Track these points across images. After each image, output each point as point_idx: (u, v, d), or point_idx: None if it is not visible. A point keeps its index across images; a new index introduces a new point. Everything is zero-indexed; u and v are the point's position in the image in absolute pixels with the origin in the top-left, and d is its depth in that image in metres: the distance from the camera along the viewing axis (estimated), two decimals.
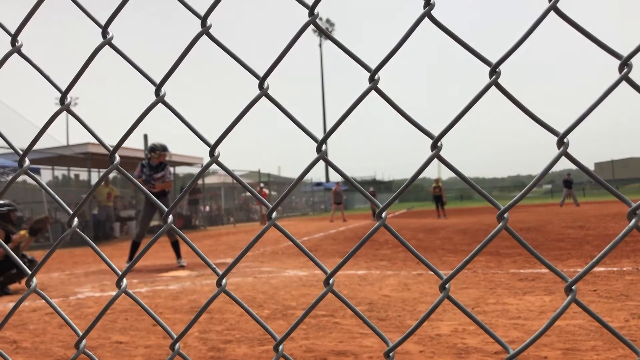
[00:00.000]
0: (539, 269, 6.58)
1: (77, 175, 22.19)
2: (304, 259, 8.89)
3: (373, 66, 0.90)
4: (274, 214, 0.97)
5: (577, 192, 32.10)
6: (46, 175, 20.21)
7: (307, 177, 44.91)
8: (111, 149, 1.02)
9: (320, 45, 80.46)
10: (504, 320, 4.01)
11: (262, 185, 28.40)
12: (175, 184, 24.45)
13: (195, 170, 25.15)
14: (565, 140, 0.81)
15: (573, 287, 0.84)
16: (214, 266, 1.00)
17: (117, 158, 1.02)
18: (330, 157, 0.96)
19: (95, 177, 19.43)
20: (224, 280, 1.01)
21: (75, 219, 1.06)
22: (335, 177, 68.47)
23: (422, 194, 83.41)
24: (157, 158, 8.99)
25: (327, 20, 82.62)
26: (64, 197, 20.85)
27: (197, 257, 9.18)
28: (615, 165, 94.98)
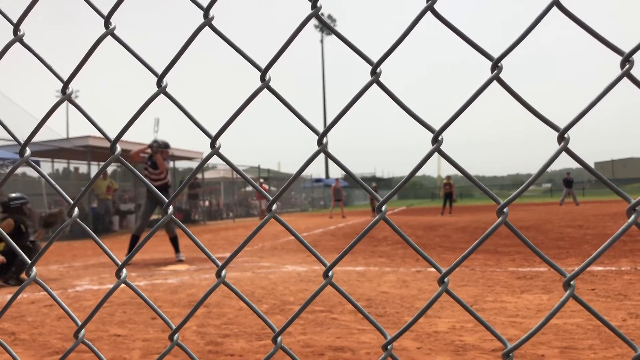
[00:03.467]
0: (537, 267, 6.58)
1: (76, 169, 22.18)
2: (302, 255, 8.90)
3: (375, 60, 0.90)
4: (274, 207, 0.97)
5: (576, 192, 32.07)
6: (46, 168, 20.21)
7: (307, 173, 44.87)
8: (112, 139, 1.02)
9: (321, 41, 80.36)
10: (501, 318, 4.02)
11: (261, 180, 28.41)
12: (174, 178, 24.45)
13: (195, 164, 25.14)
14: (565, 135, 0.81)
15: (571, 283, 0.84)
16: (214, 257, 1.00)
17: (118, 148, 1.02)
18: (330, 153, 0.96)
19: (95, 170, 19.42)
20: (223, 272, 1.01)
21: (76, 209, 1.06)
22: (335, 173, 68.39)
23: (422, 191, 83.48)
24: (161, 155, 9.04)
25: (329, 16, 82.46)
26: (63, 190, 20.78)
27: (196, 252, 9.21)
28: (615, 165, 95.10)
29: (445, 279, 0.90)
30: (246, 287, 5.72)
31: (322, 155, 0.97)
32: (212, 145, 0.98)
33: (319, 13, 0.93)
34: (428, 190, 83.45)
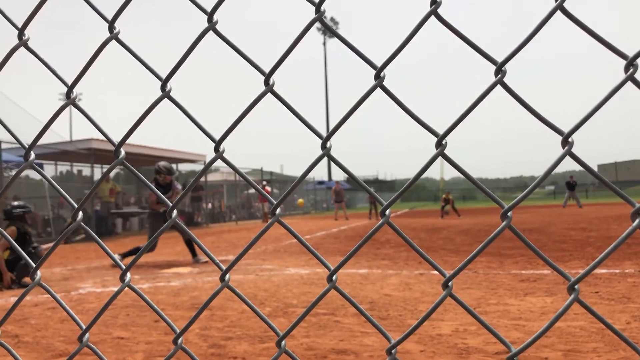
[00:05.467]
0: (540, 270, 6.57)
1: (80, 171, 22.21)
2: (305, 257, 8.89)
3: (379, 64, 0.90)
4: (278, 210, 0.97)
5: (579, 194, 31.91)
6: (49, 170, 20.24)
7: (310, 175, 44.91)
8: (116, 143, 1.02)
9: (324, 44, 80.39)
10: (505, 321, 4.01)
11: (264, 183, 28.40)
12: (177, 181, 24.43)
13: (198, 167, 25.17)
14: (570, 139, 0.81)
15: (576, 287, 0.83)
16: (218, 261, 1.00)
17: (123, 152, 1.02)
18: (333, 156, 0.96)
19: (98, 172, 19.46)
20: (227, 276, 1.02)
21: (80, 213, 1.06)
22: (338, 175, 68.36)
23: (424, 194, 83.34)
24: (162, 180, 9.08)
25: (332, 19, 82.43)
26: (66, 192, 20.84)
27: (198, 254, 9.19)
28: (619, 168, 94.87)
29: (449, 283, 0.90)
30: (249, 290, 5.72)
31: (325, 158, 0.97)
32: (216, 149, 0.98)
33: (323, 17, 0.93)
34: (431, 193, 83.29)
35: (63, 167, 22.44)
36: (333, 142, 0.96)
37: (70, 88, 1.03)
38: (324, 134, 0.95)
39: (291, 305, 4.88)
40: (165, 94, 0.99)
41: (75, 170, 22.44)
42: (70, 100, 1.03)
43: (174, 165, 23.53)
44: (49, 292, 1.12)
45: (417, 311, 4.52)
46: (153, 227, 9.07)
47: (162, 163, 9.16)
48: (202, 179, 24.50)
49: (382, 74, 0.89)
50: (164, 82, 0.99)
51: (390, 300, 4.96)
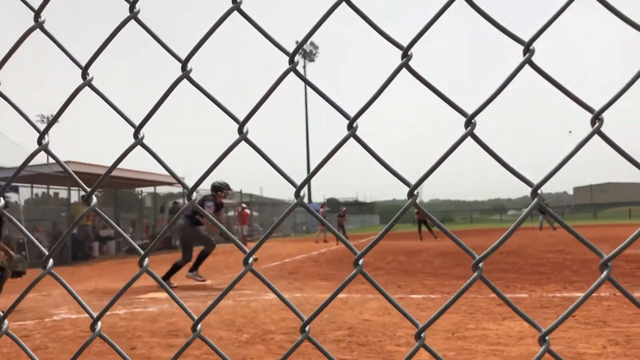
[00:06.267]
0: (518, 294, 6.61)
1: (56, 194, 21.96)
2: (284, 282, 8.85)
3: (352, 113, 0.91)
4: (251, 259, 0.97)
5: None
6: (25, 193, 19.95)
7: (290, 197, 44.78)
8: (89, 190, 1.01)
9: (304, 67, 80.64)
10: (483, 346, 4.02)
11: (244, 205, 28.29)
12: (155, 203, 24.27)
13: (175, 189, 25.02)
14: (539, 191, 0.83)
15: (546, 338, 0.84)
16: (190, 311, 0.99)
17: (95, 200, 1.01)
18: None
19: (74, 195, 19.18)
20: (199, 326, 1.01)
21: (51, 260, 1.05)
22: (317, 197, 68.28)
23: (404, 216, 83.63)
24: (224, 196, 9.17)
25: (312, 43, 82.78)
26: (42, 215, 20.65)
27: (176, 279, 9.09)
28: (594, 190, 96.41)
29: (422, 334, 0.90)
30: (227, 316, 5.66)
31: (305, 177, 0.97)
32: (189, 197, 0.97)
33: (296, 67, 0.94)
34: (410, 215, 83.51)
35: (39, 190, 22.15)
36: (313, 163, 0.96)
37: (42, 134, 1.02)
38: (304, 153, 0.95)
39: (269, 332, 4.83)
40: (138, 141, 0.98)
41: (51, 192, 22.18)
42: (42, 146, 1.02)
43: (151, 189, 23.42)
44: (18, 343, 1.10)
45: (396, 337, 4.50)
46: (187, 240, 9.15)
47: (218, 180, 9.21)
48: (180, 201, 24.27)
49: (354, 125, 0.90)
50: (137, 128, 0.99)
51: (369, 326, 4.95)
